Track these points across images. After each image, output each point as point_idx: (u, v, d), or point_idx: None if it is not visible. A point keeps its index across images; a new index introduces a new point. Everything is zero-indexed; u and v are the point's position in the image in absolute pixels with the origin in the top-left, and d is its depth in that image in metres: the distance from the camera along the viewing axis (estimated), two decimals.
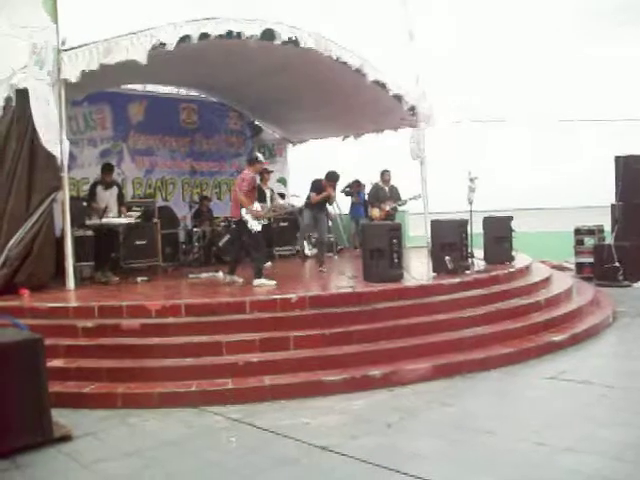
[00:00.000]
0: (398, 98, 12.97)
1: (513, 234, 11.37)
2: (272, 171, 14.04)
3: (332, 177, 11.33)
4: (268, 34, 10.52)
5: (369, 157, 16.88)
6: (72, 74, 9.23)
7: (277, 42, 10.62)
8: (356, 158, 17.71)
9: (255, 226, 9.58)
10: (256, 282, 9.43)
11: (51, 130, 9.21)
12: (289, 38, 10.73)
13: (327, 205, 11.84)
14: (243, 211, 9.59)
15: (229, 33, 10.16)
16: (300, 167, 16.73)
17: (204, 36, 9.91)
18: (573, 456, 4.81)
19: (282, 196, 13.49)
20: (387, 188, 12.91)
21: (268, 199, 12.92)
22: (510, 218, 11.66)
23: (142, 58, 9.47)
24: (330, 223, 15.11)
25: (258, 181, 11.02)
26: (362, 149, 16.51)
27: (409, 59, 13.31)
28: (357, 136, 15.99)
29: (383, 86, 12.54)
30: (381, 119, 14.41)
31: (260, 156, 10.28)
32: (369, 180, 14.55)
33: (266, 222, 9.89)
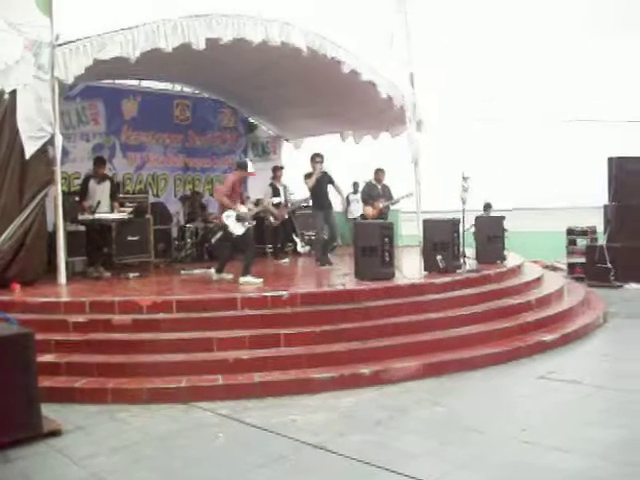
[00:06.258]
0: (390, 99, 13.00)
1: (506, 234, 11.41)
2: (283, 167, 14.32)
3: (316, 156, 11.50)
4: (261, 32, 10.55)
5: (366, 158, 16.87)
6: (66, 70, 9.23)
7: (271, 41, 10.67)
8: (354, 159, 17.71)
9: (236, 230, 9.56)
10: (242, 279, 9.41)
11: (32, 125, 9.18)
12: (282, 36, 10.76)
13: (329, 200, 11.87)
14: (223, 215, 9.59)
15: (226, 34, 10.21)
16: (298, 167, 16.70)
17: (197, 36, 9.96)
18: (560, 455, 4.83)
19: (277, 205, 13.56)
20: (380, 186, 12.94)
21: (282, 195, 13.29)
22: (502, 218, 11.70)
23: (135, 55, 9.53)
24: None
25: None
26: (360, 150, 16.50)
27: (402, 63, 13.35)
28: (357, 139, 16.03)
29: (375, 86, 12.56)
30: (375, 118, 14.42)
31: (249, 164, 10.24)
32: (362, 179, 14.59)
33: (252, 224, 9.84)
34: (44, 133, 9.26)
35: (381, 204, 12.68)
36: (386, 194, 12.88)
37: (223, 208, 9.65)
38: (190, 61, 11.68)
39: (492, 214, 16.28)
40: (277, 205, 13.18)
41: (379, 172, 13.05)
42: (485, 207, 17.21)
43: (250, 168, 10.09)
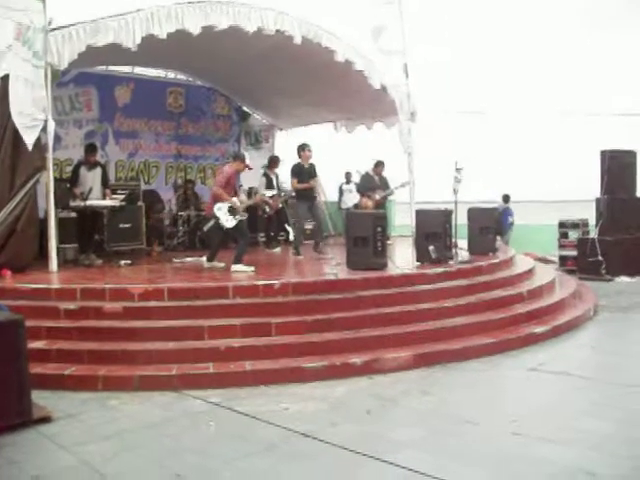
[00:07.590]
0: (384, 89, 12.98)
1: (512, 227, 11.38)
2: (281, 160, 14.17)
3: (306, 146, 11.52)
4: (255, 20, 10.51)
5: (359, 147, 16.88)
6: (59, 55, 9.17)
7: (266, 30, 10.63)
8: (346, 148, 17.70)
9: (227, 223, 9.52)
10: (234, 267, 9.43)
11: (25, 113, 9.10)
12: (277, 24, 10.74)
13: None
14: (215, 207, 9.54)
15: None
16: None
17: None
18: (549, 446, 4.84)
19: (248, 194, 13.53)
20: (377, 178, 12.93)
21: (275, 184, 13.25)
22: (495, 210, 11.70)
23: (130, 42, 9.47)
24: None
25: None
26: (352, 140, 16.47)
27: (397, 53, 13.35)
28: (350, 128, 15.99)
29: (368, 78, 12.53)
30: (369, 107, 14.40)
31: (247, 156, 10.14)
32: (356, 169, 14.59)
33: (245, 217, 9.79)
34: (37, 122, 9.19)
35: (377, 195, 12.68)
36: (383, 185, 12.89)
37: (215, 199, 9.62)
38: (184, 48, 11.62)
39: (510, 205, 16.81)
40: (272, 196, 13.16)
41: (379, 165, 13.06)
42: (504, 198, 17.59)
43: (247, 161, 10.00)
